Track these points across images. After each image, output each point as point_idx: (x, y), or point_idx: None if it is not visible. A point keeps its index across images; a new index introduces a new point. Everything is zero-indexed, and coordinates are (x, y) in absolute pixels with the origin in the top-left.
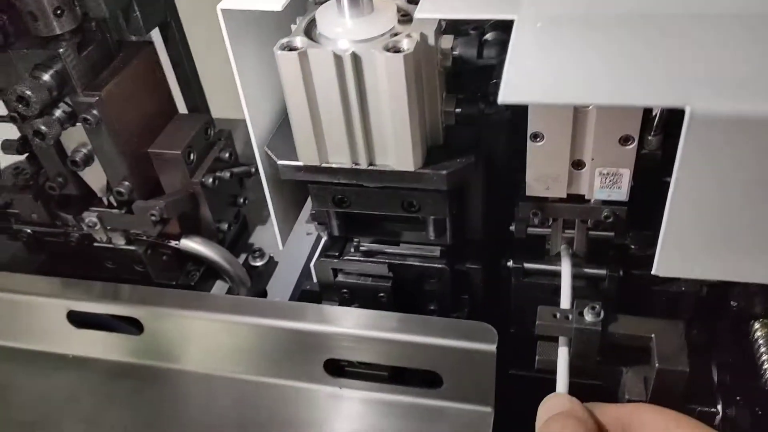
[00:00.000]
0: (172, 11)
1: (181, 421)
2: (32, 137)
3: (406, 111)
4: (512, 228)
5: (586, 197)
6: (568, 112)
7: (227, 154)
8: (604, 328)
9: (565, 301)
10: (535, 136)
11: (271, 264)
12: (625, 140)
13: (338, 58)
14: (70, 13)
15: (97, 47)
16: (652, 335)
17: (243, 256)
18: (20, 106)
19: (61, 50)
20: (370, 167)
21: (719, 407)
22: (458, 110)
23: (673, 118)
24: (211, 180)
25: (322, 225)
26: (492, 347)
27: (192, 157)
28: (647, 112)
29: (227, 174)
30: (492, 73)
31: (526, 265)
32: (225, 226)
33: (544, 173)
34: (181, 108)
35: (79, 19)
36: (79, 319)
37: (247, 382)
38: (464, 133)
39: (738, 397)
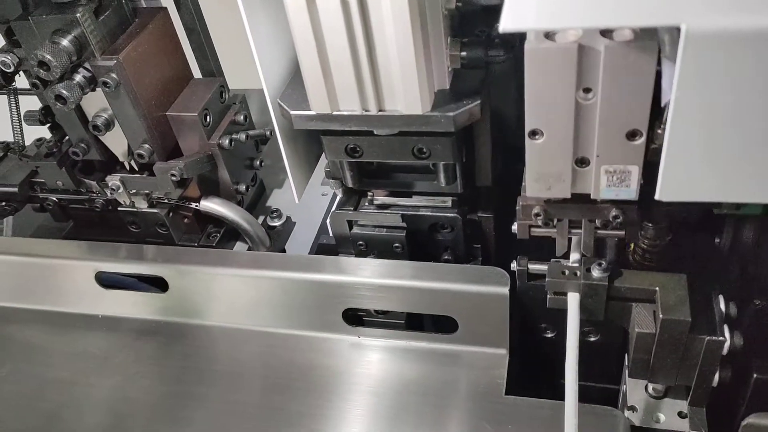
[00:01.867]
0: None
1: (207, 374)
2: (54, 102)
3: (412, 53)
4: (514, 229)
5: (592, 197)
6: (570, 106)
7: (242, 117)
8: (610, 282)
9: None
10: (534, 133)
11: (289, 224)
12: (632, 135)
13: (345, 4)
14: None
15: (113, 13)
16: (657, 288)
17: (261, 218)
18: (41, 71)
19: (79, 14)
20: (380, 113)
21: (726, 335)
22: (463, 54)
23: None
24: (227, 141)
25: (337, 180)
26: (504, 290)
27: (208, 119)
28: (656, 104)
29: (243, 136)
30: (497, 16)
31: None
32: (243, 187)
33: (545, 172)
34: (196, 73)
35: None
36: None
37: (270, 334)
38: (470, 77)
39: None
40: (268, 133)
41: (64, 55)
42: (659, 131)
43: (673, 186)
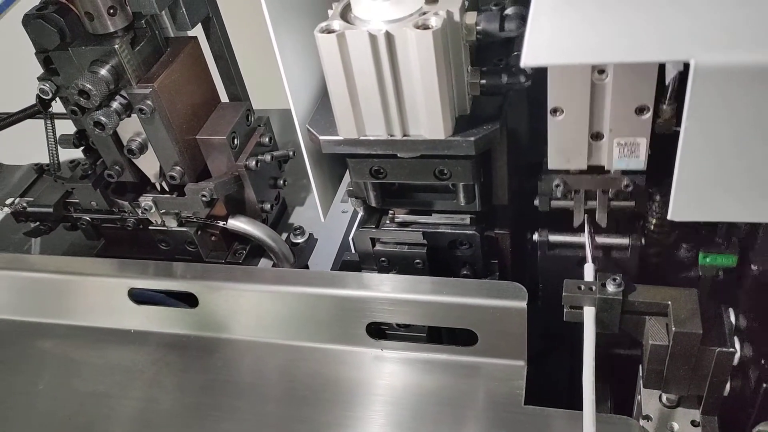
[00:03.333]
0: (214, 7)
1: (235, 386)
2: (92, 128)
3: (435, 83)
4: (536, 202)
5: (605, 168)
6: (586, 86)
7: (267, 139)
8: (624, 297)
9: (589, 274)
10: (555, 111)
11: (312, 241)
12: (640, 110)
13: (373, 38)
14: (122, 12)
15: (147, 43)
16: (669, 302)
17: (284, 235)
18: (81, 99)
19: (117, 46)
20: (404, 137)
21: (737, 346)
22: (483, 81)
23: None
24: (254, 162)
25: (359, 199)
26: (522, 303)
27: (236, 141)
28: (661, 82)
29: (268, 157)
30: (513, 46)
31: (551, 238)
32: (268, 206)
33: (564, 147)
34: (223, 97)
35: (130, 18)
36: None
37: (295, 348)
38: (489, 103)
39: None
40: (291, 153)
41: (103, 84)
42: (664, 106)
43: (684, 206)
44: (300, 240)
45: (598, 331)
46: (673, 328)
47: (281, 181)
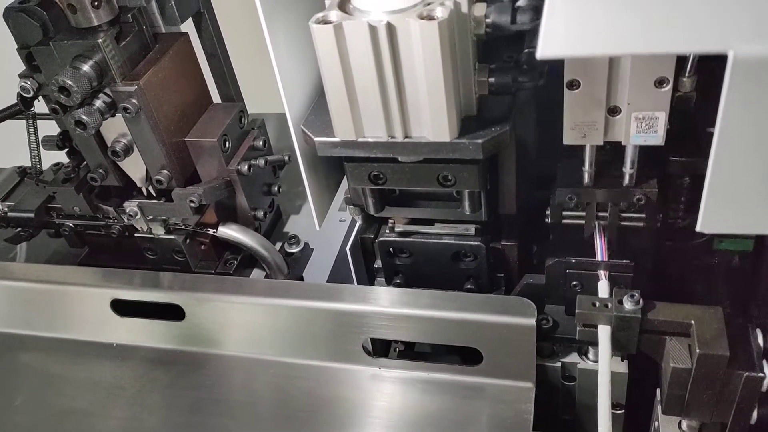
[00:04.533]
0: (206, 2)
1: (223, 404)
2: (74, 128)
3: (441, 80)
4: (547, 215)
5: (622, 143)
6: (604, 58)
7: (261, 143)
8: (643, 315)
9: (603, 291)
10: (571, 84)
11: (307, 251)
12: (660, 83)
13: (373, 29)
14: (107, 5)
15: (134, 38)
16: (692, 321)
17: (278, 244)
18: (62, 96)
19: (100, 40)
20: (406, 140)
21: (766, 371)
22: (491, 80)
23: (707, 58)
24: (246, 167)
25: (357, 207)
26: (531, 321)
27: (227, 145)
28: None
29: (262, 162)
30: (523, 41)
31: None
32: (261, 213)
33: (580, 121)
34: (216, 99)
35: (116, 11)
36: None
37: (288, 365)
38: (497, 104)
39: None
40: (286, 158)
41: (85, 81)
42: (684, 79)
43: (715, 217)
44: (295, 250)
45: (614, 351)
46: (697, 350)
47: (276, 188)
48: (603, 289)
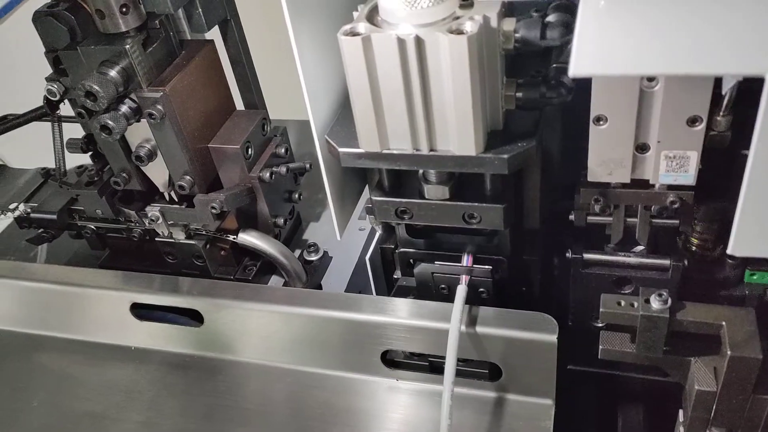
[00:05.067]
0: (232, 10)
1: (239, 411)
2: (99, 132)
3: (468, 94)
4: (571, 217)
5: (650, 182)
6: (634, 93)
7: (283, 150)
8: (672, 315)
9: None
10: (598, 120)
11: (326, 259)
12: (692, 121)
13: (401, 42)
14: (135, 11)
15: (160, 45)
16: (723, 323)
17: (297, 252)
18: (88, 101)
19: (128, 46)
20: (431, 152)
21: None
22: (519, 95)
23: (744, 97)
24: (268, 174)
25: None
26: (552, 337)
27: (250, 152)
28: (716, 90)
29: (283, 169)
30: (550, 57)
31: (586, 256)
32: (281, 221)
33: (607, 158)
34: (239, 105)
35: (144, 17)
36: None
37: (305, 373)
38: (523, 118)
39: None
40: (307, 165)
41: (111, 86)
42: (718, 118)
43: (747, 240)
44: (314, 258)
45: (640, 353)
46: (729, 352)
47: (296, 195)
48: (460, 292)
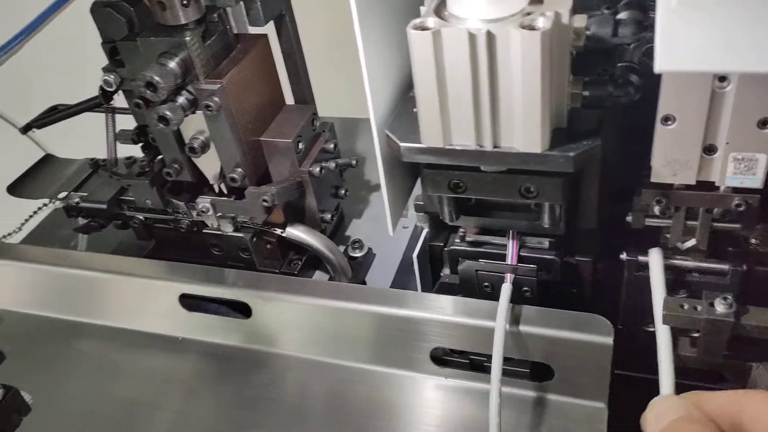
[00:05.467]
0: (287, 4)
1: (280, 404)
2: (156, 123)
3: (538, 91)
4: (628, 218)
5: (716, 184)
6: (705, 93)
7: (332, 146)
8: (736, 319)
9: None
10: (666, 119)
11: (370, 256)
12: (763, 123)
13: (472, 37)
14: (195, 4)
15: (218, 37)
16: None
17: (341, 248)
18: (148, 92)
19: (187, 38)
20: (495, 149)
21: None
22: (585, 93)
23: None
24: (317, 169)
25: (427, 215)
26: (608, 340)
27: (301, 146)
28: None
29: (332, 164)
30: (611, 55)
31: (641, 258)
32: (328, 216)
33: (672, 158)
34: (288, 99)
35: (203, 10)
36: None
37: (351, 369)
38: (587, 117)
39: None
40: (353, 162)
41: (171, 77)
42: None
43: None
44: (358, 254)
45: (701, 357)
46: None
47: (342, 191)
48: (505, 290)
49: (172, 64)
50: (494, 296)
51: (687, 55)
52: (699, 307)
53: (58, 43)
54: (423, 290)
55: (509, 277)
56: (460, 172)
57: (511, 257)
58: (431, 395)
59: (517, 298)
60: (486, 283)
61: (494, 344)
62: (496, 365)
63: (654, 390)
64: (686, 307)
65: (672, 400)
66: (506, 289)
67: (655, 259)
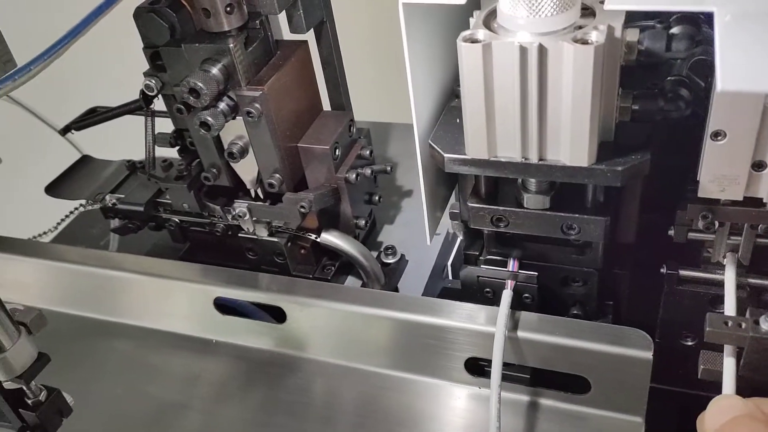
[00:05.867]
0: (328, 12)
1: (313, 408)
2: (197, 128)
3: (588, 105)
4: (670, 232)
5: (764, 200)
6: (756, 110)
7: (368, 152)
8: None
9: (730, 309)
10: (716, 135)
11: (403, 262)
12: None
13: (523, 50)
14: (239, 11)
15: (259, 44)
16: None
17: (374, 254)
18: (191, 98)
19: (231, 45)
20: (540, 162)
21: None
22: (635, 107)
23: None
24: (353, 176)
25: (461, 223)
26: (648, 354)
27: (338, 152)
28: None
29: (368, 171)
30: (658, 69)
31: (682, 272)
32: (362, 222)
33: (720, 174)
34: (325, 105)
35: (246, 17)
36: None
37: (385, 376)
38: (634, 131)
39: None
40: (388, 168)
41: (214, 84)
42: None
43: None
44: (391, 260)
45: (745, 374)
46: None
47: (376, 197)
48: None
49: (215, 71)
50: (494, 302)
51: (750, 74)
52: (743, 325)
53: (93, 46)
54: None
55: (510, 283)
56: (504, 209)
57: (512, 264)
58: (463, 405)
59: (516, 305)
60: (488, 289)
61: (494, 348)
62: (496, 369)
63: (689, 404)
64: (730, 324)
65: (734, 399)
66: (506, 296)
67: (729, 276)
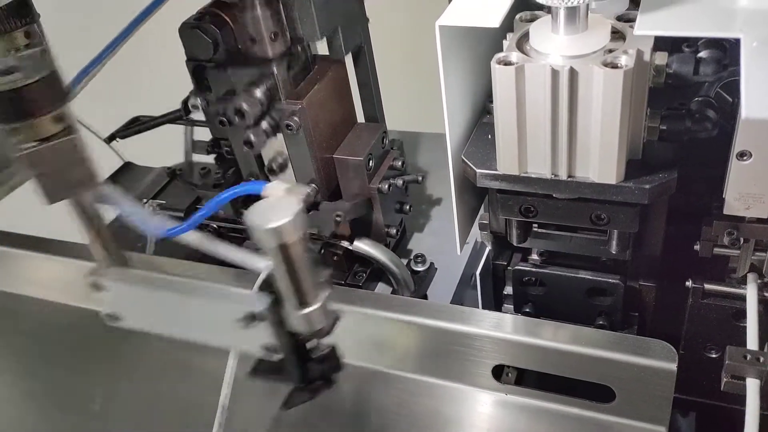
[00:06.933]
0: (366, 37)
1: (341, 413)
2: (243, 146)
3: (617, 125)
4: (696, 247)
5: None
6: None
7: (400, 163)
8: None
9: (752, 340)
10: (742, 155)
11: (432, 270)
12: None
13: (555, 73)
14: (283, 38)
15: (300, 64)
16: None
17: (404, 261)
18: (237, 118)
19: (275, 71)
20: (569, 178)
21: None
22: (663, 127)
23: None
24: (386, 186)
25: (491, 233)
26: (672, 366)
27: (371, 164)
28: None
29: (400, 181)
30: (685, 89)
31: (707, 286)
32: (393, 231)
33: (746, 192)
34: (359, 117)
35: (289, 43)
36: None
37: (414, 381)
38: (661, 149)
39: None
40: (419, 178)
41: (258, 105)
42: None
43: None
44: (420, 268)
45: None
46: None
47: (407, 207)
48: (752, 338)
49: (259, 93)
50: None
51: None
52: (762, 359)
53: (131, 56)
54: (484, 307)
55: None
56: (533, 198)
57: None
58: (489, 410)
59: None
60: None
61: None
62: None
63: (712, 414)
64: (749, 357)
65: None
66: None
67: (751, 302)
